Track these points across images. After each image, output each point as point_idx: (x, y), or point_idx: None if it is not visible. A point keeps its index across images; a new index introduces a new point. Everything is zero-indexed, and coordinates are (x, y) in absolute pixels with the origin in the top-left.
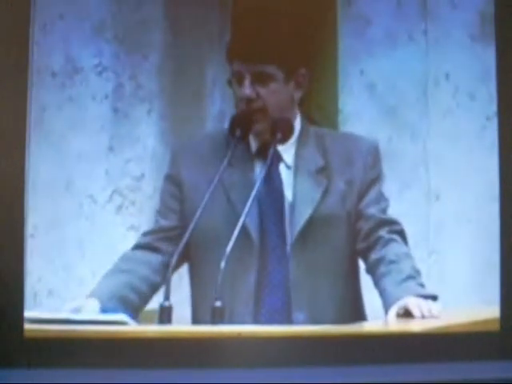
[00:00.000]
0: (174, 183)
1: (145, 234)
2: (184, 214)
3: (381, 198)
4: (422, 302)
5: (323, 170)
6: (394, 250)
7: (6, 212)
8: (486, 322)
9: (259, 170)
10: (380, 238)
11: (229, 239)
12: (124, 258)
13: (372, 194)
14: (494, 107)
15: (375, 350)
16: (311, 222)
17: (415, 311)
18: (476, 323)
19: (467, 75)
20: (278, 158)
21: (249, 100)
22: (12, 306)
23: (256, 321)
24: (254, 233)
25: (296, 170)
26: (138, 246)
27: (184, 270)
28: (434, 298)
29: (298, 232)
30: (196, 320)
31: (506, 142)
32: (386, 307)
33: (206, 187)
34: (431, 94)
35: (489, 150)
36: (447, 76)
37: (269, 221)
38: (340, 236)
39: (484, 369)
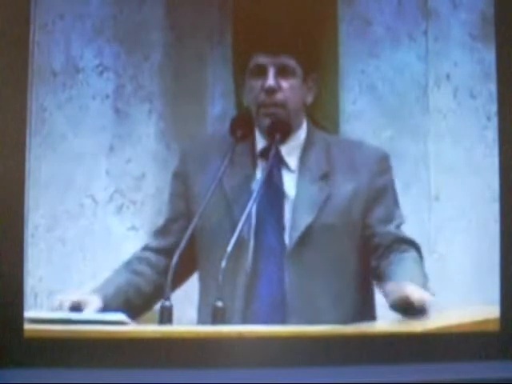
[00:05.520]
0: (181, 181)
1: (155, 235)
2: (191, 215)
3: (394, 214)
4: (422, 292)
5: (327, 177)
6: (406, 255)
7: (6, 212)
8: (486, 321)
9: (261, 171)
10: (395, 251)
11: (227, 239)
12: (134, 258)
13: (382, 208)
14: (494, 107)
15: (375, 350)
16: (311, 229)
17: (415, 299)
18: (476, 323)
19: (468, 75)
20: (281, 161)
21: (271, 91)
22: (12, 306)
23: (245, 321)
24: (246, 234)
25: (299, 174)
26: (147, 248)
27: None
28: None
29: (297, 237)
30: (201, 320)
31: (507, 142)
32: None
33: (209, 186)
34: (432, 93)
35: (489, 150)
36: (448, 76)
37: (267, 223)
38: (343, 244)
39: (484, 369)
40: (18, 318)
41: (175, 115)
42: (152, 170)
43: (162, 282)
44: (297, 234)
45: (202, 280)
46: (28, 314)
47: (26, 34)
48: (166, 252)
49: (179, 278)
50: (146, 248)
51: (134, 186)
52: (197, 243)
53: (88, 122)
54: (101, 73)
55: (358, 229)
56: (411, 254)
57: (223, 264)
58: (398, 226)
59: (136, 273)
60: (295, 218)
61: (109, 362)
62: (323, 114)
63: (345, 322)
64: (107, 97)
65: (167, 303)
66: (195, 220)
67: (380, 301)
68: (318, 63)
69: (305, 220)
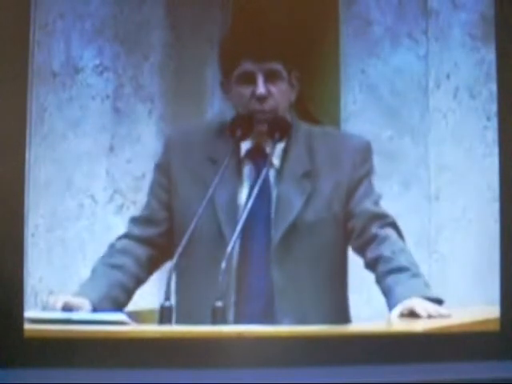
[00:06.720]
0: (163, 174)
1: (134, 223)
2: (171, 207)
3: (371, 192)
4: (428, 304)
5: (309, 175)
6: (389, 247)
7: (6, 212)
8: (486, 321)
9: (248, 171)
10: (375, 235)
11: (209, 240)
12: (114, 249)
13: (361, 190)
14: (494, 107)
15: (376, 350)
16: (294, 228)
17: (422, 314)
18: (476, 323)
19: (468, 75)
20: (268, 161)
21: (262, 98)
22: (12, 306)
23: (236, 322)
24: (228, 237)
25: (281, 172)
26: (127, 236)
27: None
28: (439, 301)
29: (279, 238)
30: (180, 321)
31: (507, 142)
32: (391, 306)
33: (193, 183)
34: (432, 93)
35: (489, 150)
36: (448, 76)
37: (254, 223)
38: (326, 240)
39: (484, 369)
40: (18, 318)
41: (175, 115)
42: (152, 170)
43: (142, 275)
44: (278, 235)
45: (181, 277)
46: (28, 314)
47: (26, 34)
48: (149, 242)
49: (152, 268)
50: (126, 236)
51: (133, 186)
52: (179, 238)
53: (88, 121)
54: (101, 73)
55: (340, 219)
56: (392, 244)
57: (223, 265)
58: (376, 203)
59: (117, 267)
60: (277, 219)
61: (109, 362)
62: (324, 114)
63: (330, 321)
64: (107, 97)
65: (167, 303)
66: (195, 220)
67: (379, 300)
68: (299, 61)
69: (286, 220)
